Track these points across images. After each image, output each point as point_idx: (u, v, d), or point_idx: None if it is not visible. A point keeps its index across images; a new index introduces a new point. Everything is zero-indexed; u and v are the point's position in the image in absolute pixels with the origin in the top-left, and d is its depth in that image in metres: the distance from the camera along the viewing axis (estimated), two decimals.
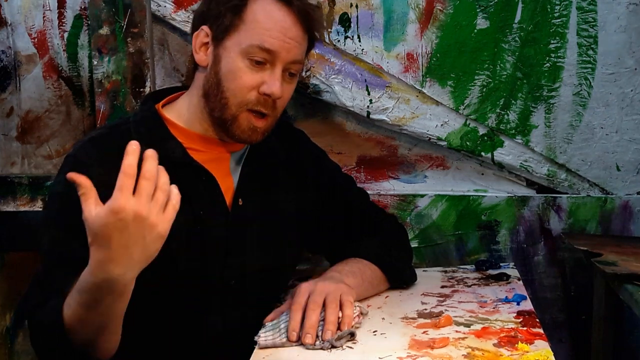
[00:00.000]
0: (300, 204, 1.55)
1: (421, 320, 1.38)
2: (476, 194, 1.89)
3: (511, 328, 1.32)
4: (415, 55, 1.82)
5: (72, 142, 1.85)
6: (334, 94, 1.83)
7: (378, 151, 1.91)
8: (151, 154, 1.11)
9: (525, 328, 1.32)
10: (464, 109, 1.83)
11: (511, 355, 1.20)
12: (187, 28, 1.76)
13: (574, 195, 1.86)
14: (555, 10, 1.78)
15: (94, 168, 1.34)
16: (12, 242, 1.88)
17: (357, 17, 1.81)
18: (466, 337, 1.29)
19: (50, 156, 1.91)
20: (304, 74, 1.81)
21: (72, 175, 1.10)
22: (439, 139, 1.85)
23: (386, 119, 1.84)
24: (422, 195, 1.88)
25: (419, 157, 1.91)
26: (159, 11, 1.82)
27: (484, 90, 1.82)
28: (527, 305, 1.46)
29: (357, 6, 1.81)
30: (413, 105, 1.84)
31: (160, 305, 1.36)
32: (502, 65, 1.81)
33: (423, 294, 1.55)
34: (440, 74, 1.82)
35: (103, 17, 1.79)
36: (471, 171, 1.91)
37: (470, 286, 1.60)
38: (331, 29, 1.82)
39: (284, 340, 1.29)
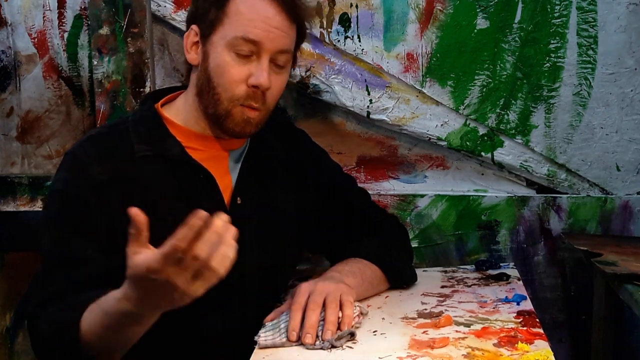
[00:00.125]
0: (300, 204, 1.54)
1: (421, 320, 1.38)
2: (476, 194, 1.89)
3: (511, 328, 1.32)
4: (415, 55, 1.82)
5: (72, 142, 1.84)
6: (334, 94, 1.83)
7: (378, 151, 1.91)
8: (216, 228, 1.09)
9: (525, 328, 1.32)
10: (464, 109, 1.83)
11: (511, 355, 1.20)
12: None
13: (574, 195, 1.86)
14: (555, 10, 1.78)
15: (92, 167, 1.34)
16: (12, 242, 1.88)
17: (357, 17, 1.81)
18: (466, 337, 1.29)
19: (50, 156, 1.91)
20: (304, 74, 1.81)
21: (134, 212, 1.08)
22: (439, 139, 1.85)
23: (386, 119, 1.84)
24: (422, 195, 1.88)
25: (419, 157, 1.91)
26: (159, 11, 1.82)
27: (484, 90, 1.82)
28: (527, 305, 1.46)
29: (357, 6, 1.81)
30: (413, 105, 1.84)
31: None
32: (502, 65, 1.81)
33: (423, 294, 1.55)
34: (440, 74, 1.83)
35: (103, 17, 1.80)
36: (471, 171, 1.91)
37: (470, 286, 1.60)
38: (331, 29, 1.82)
39: (284, 340, 1.29)
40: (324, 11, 1.81)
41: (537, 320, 1.37)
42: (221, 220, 1.09)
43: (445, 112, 1.84)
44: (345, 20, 1.81)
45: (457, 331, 1.32)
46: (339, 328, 1.29)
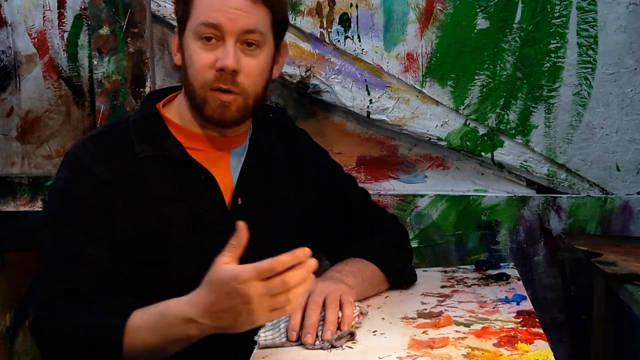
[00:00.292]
0: (300, 203, 1.54)
1: (421, 320, 1.38)
2: (476, 194, 1.89)
3: (511, 328, 1.32)
4: (415, 55, 1.82)
5: (72, 142, 1.85)
6: (334, 94, 1.83)
7: (378, 151, 1.91)
8: (308, 267, 1.17)
9: (525, 328, 1.32)
10: (464, 109, 1.83)
11: (511, 355, 1.20)
12: None
13: (574, 195, 1.86)
14: (555, 10, 1.78)
15: (94, 166, 1.35)
16: (12, 242, 1.88)
17: (357, 17, 1.81)
18: (466, 337, 1.29)
19: (50, 156, 1.91)
20: (304, 74, 1.81)
21: (241, 225, 1.17)
22: (439, 139, 1.85)
23: (386, 119, 1.84)
24: (422, 195, 1.88)
25: (419, 157, 1.91)
26: (159, 11, 1.82)
27: (484, 90, 1.82)
28: (527, 305, 1.45)
29: (357, 6, 1.81)
30: (413, 105, 1.84)
31: None
32: (502, 65, 1.81)
33: (423, 294, 1.55)
34: (440, 74, 1.83)
35: (103, 17, 1.80)
36: (471, 171, 1.91)
37: (470, 286, 1.60)
38: (331, 29, 1.82)
39: (284, 340, 1.29)
40: (324, 11, 1.81)
41: (537, 320, 1.37)
42: (313, 262, 1.18)
43: (445, 112, 1.84)
44: (345, 20, 1.81)
45: (457, 331, 1.32)
46: (338, 328, 1.29)
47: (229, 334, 1.42)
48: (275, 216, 1.49)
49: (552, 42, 1.79)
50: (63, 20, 1.85)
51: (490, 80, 1.82)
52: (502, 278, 1.65)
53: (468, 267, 1.77)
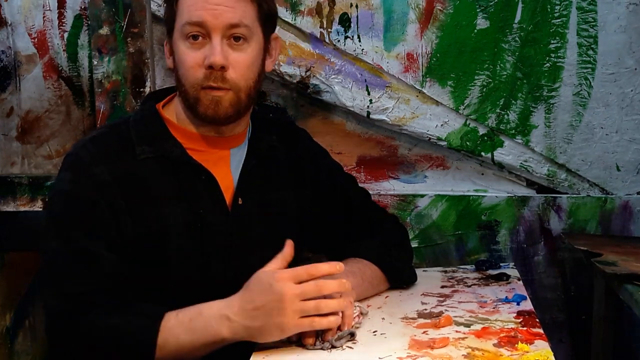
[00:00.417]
0: (300, 203, 1.54)
1: (421, 320, 1.38)
2: (476, 194, 1.89)
3: (511, 328, 1.32)
4: (415, 55, 1.82)
5: (72, 142, 1.85)
6: (334, 94, 1.83)
7: (378, 151, 1.91)
8: (343, 283, 1.27)
9: (525, 328, 1.32)
10: (464, 109, 1.83)
11: (511, 355, 1.20)
12: None
13: (574, 195, 1.86)
14: (555, 10, 1.78)
15: (95, 167, 1.35)
16: (12, 242, 1.88)
17: (357, 17, 1.81)
18: (466, 337, 1.29)
19: (50, 156, 1.91)
20: (304, 74, 1.81)
21: (289, 243, 1.31)
22: (439, 139, 1.85)
23: (386, 119, 1.84)
24: (422, 195, 1.88)
25: (419, 157, 1.91)
26: (159, 11, 1.82)
27: (484, 90, 1.82)
28: (527, 305, 1.46)
29: (357, 6, 1.81)
30: (413, 105, 1.84)
31: (161, 305, 1.36)
32: (502, 65, 1.81)
33: (423, 294, 1.55)
34: (440, 74, 1.83)
35: (103, 17, 1.79)
36: (471, 171, 1.91)
37: (470, 286, 1.60)
38: (331, 29, 1.82)
39: (284, 340, 1.29)
40: (324, 11, 1.81)
41: (537, 320, 1.37)
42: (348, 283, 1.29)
43: (445, 112, 1.84)
44: (345, 20, 1.81)
45: (457, 331, 1.32)
46: (339, 328, 1.29)
47: None
48: (275, 216, 1.49)
49: (552, 42, 1.79)
50: (63, 20, 1.85)
51: (490, 80, 1.82)
52: (502, 278, 1.65)
53: (468, 267, 1.78)
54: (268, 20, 1.43)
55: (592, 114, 1.82)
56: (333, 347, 1.26)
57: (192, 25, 1.35)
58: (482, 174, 1.90)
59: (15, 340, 1.92)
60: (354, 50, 1.82)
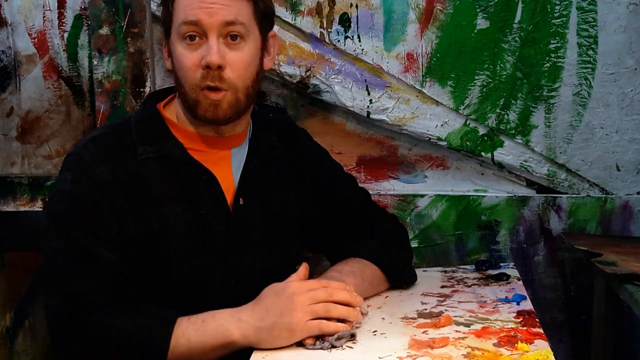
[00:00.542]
0: (300, 203, 1.55)
1: (421, 320, 1.38)
2: (476, 194, 1.89)
3: (511, 328, 1.32)
4: (415, 55, 1.82)
5: (72, 142, 1.85)
6: (334, 94, 1.83)
7: (378, 151, 1.91)
8: (354, 296, 1.33)
9: (525, 328, 1.32)
10: (464, 109, 1.83)
11: (511, 355, 1.20)
12: None
13: (574, 195, 1.86)
14: (555, 10, 1.78)
15: (96, 167, 1.35)
16: (12, 242, 1.88)
17: (357, 17, 1.81)
18: (466, 337, 1.29)
19: (50, 156, 1.91)
20: (304, 74, 1.81)
21: (305, 264, 1.37)
22: (439, 139, 1.85)
23: (386, 119, 1.84)
24: (422, 195, 1.88)
25: (419, 157, 1.91)
26: (159, 11, 1.82)
27: (484, 90, 1.82)
28: (527, 305, 1.46)
29: (357, 6, 1.81)
30: (413, 105, 1.84)
31: (161, 305, 1.36)
32: (502, 65, 1.81)
33: (423, 294, 1.55)
34: (440, 74, 1.82)
35: (103, 17, 1.79)
36: (471, 171, 1.91)
37: (470, 286, 1.60)
38: (331, 29, 1.82)
39: None
40: (324, 11, 1.81)
41: (537, 320, 1.37)
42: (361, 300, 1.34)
43: (445, 112, 1.84)
44: (345, 20, 1.81)
45: (457, 331, 1.32)
46: None
47: None
48: (276, 216, 1.50)
49: (552, 42, 1.79)
50: (63, 20, 1.85)
51: (490, 80, 1.82)
52: (502, 278, 1.65)
53: (468, 267, 1.78)
54: (265, 18, 1.42)
55: (592, 114, 1.82)
56: (333, 347, 1.26)
57: (188, 24, 1.35)
58: (482, 174, 1.90)
59: (15, 340, 1.92)
60: (354, 50, 1.82)
